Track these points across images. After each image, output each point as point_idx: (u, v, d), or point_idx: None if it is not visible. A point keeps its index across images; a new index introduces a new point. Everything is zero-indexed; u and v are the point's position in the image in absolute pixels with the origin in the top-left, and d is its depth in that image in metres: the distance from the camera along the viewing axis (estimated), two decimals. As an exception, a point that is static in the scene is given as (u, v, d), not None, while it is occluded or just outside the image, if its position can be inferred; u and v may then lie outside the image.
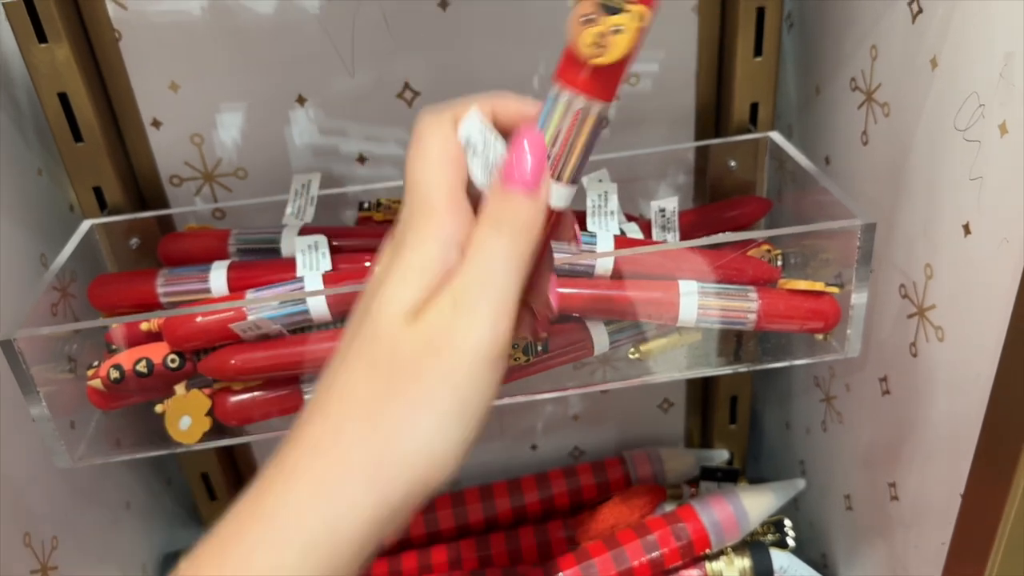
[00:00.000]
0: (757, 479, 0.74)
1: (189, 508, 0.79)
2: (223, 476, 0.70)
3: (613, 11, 0.30)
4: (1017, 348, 0.41)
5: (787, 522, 0.70)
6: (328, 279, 0.50)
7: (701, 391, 0.75)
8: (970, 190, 0.44)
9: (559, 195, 0.32)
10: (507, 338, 0.31)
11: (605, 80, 0.31)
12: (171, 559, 0.71)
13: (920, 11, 0.47)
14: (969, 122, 0.44)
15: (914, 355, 0.52)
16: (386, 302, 0.31)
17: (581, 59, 0.30)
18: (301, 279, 0.50)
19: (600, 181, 0.56)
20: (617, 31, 0.30)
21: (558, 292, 0.37)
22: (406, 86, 0.59)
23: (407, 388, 0.30)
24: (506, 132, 0.34)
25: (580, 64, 0.31)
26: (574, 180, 0.33)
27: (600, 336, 0.52)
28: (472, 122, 0.33)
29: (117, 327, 0.50)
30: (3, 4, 0.51)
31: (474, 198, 0.33)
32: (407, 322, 0.30)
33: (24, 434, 0.54)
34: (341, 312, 0.48)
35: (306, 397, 0.50)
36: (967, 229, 0.45)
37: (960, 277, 0.46)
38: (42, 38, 0.52)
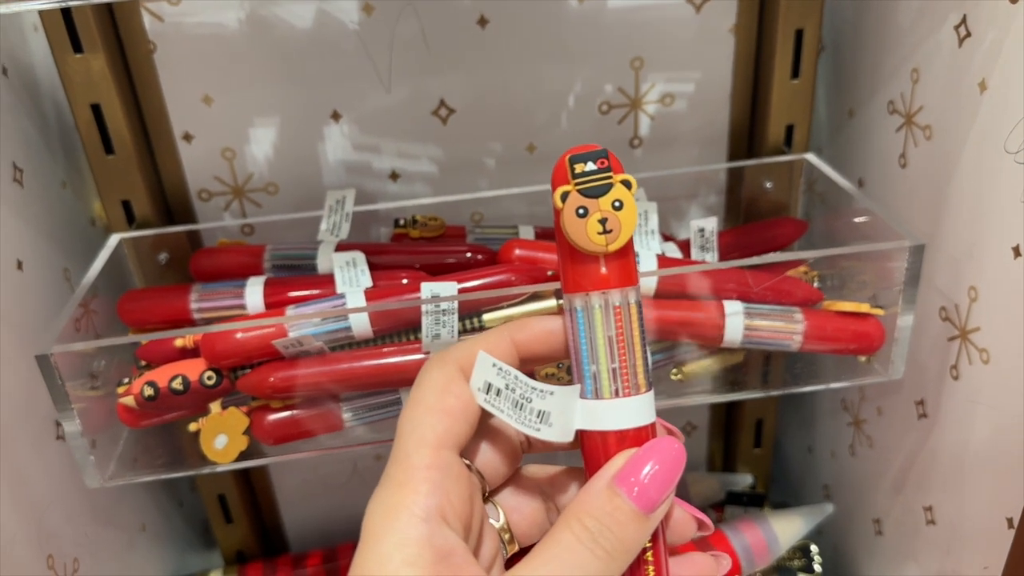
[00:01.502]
0: (779, 504, 0.74)
1: (200, 531, 0.77)
2: (240, 498, 0.68)
3: (600, 192, 0.28)
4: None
5: (814, 548, 0.69)
6: (368, 296, 0.49)
7: (724, 414, 0.75)
8: (1020, 212, 0.44)
9: (641, 406, 0.29)
10: None
11: (623, 262, 0.29)
12: (183, 583, 0.69)
13: (968, 35, 0.47)
14: (1021, 145, 0.44)
15: (955, 378, 0.52)
16: None
17: (595, 254, 0.28)
18: (342, 295, 0.49)
19: (639, 200, 0.55)
20: (619, 206, 0.28)
21: None
22: (442, 103, 0.58)
23: None
24: (533, 358, 0.31)
25: (595, 261, 0.29)
26: (643, 383, 0.30)
27: (642, 356, 0.51)
28: (483, 367, 0.29)
29: (151, 343, 0.49)
30: (39, 13, 0.50)
31: (505, 450, 0.30)
32: None
33: (46, 455, 0.52)
34: (382, 328, 0.48)
35: (345, 416, 0.49)
36: (1017, 251, 0.45)
37: (1008, 299, 0.46)
38: (78, 48, 0.52)
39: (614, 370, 0.29)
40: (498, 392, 0.29)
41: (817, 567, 0.68)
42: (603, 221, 0.28)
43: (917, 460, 0.57)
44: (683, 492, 0.72)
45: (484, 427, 0.31)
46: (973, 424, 0.51)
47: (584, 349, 0.29)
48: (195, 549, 0.76)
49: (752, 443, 0.73)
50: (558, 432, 0.29)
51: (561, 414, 0.29)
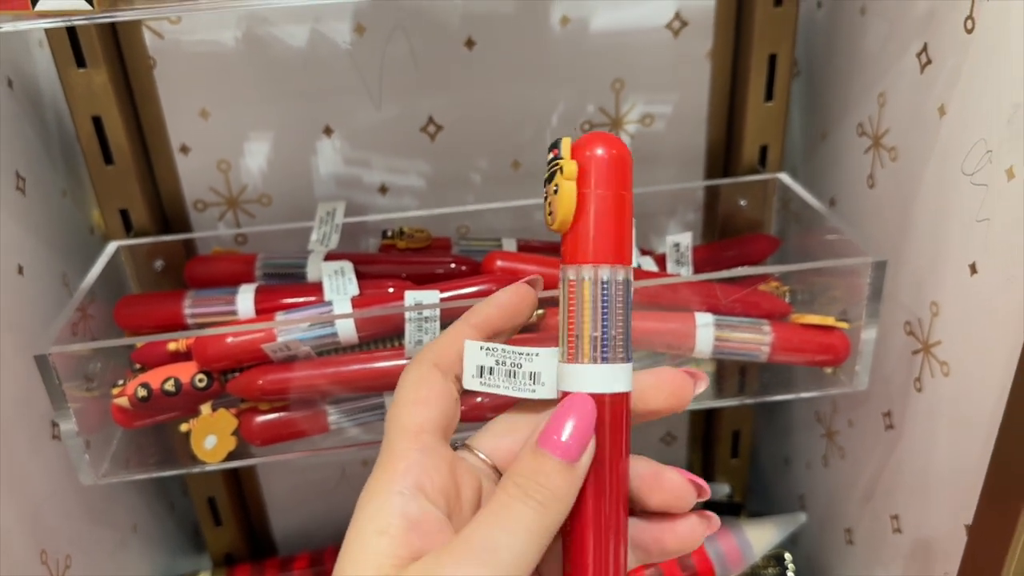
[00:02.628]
0: (756, 514, 0.76)
1: (190, 534, 0.78)
2: (229, 501, 0.70)
3: (548, 179, 0.30)
4: None
5: (788, 556, 0.71)
6: (355, 303, 0.51)
7: (703, 426, 0.77)
8: (977, 231, 0.46)
9: (592, 376, 0.30)
10: None
11: (576, 241, 0.30)
12: (172, 585, 0.71)
13: (929, 62, 0.50)
14: (977, 167, 0.46)
15: (919, 390, 0.54)
16: (349, 569, 0.28)
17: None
18: (329, 303, 0.51)
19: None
20: (555, 191, 0.30)
21: None
22: (430, 120, 0.61)
23: None
24: (494, 334, 0.33)
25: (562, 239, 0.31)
26: (619, 355, 0.31)
27: (617, 365, 0.53)
28: (472, 353, 0.32)
29: (145, 345, 0.51)
30: (45, 30, 0.53)
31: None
32: None
33: (42, 454, 0.54)
34: (367, 335, 0.50)
35: (331, 418, 0.51)
36: (974, 268, 0.47)
37: (966, 314, 0.48)
38: (81, 63, 0.54)
39: (564, 335, 0.31)
40: (491, 370, 0.32)
41: (791, 575, 0.70)
42: (549, 204, 0.30)
43: (885, 471, 0.59)
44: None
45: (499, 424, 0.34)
46: (935, 435, 0.53)
47: (560, 315, 0.31)
48: (184, 551, 0.77)
49: (729, 454, 0.75)
50: (550, 390, 0.31)
51: (549, 374, 0.31)
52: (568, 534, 0.31)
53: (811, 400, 0.70)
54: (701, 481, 0.33)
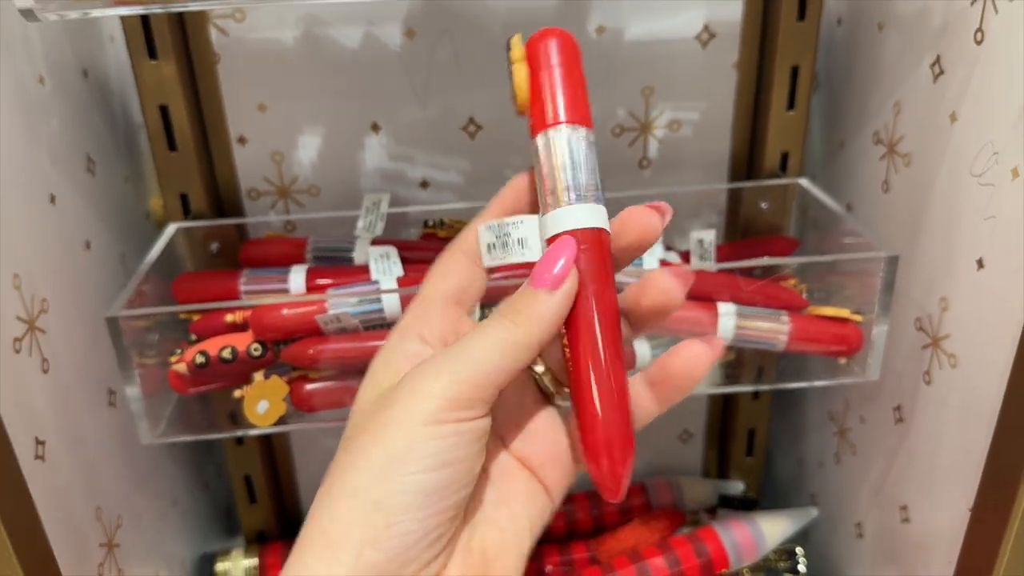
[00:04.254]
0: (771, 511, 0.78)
1: (224, 515, 0.82)
2: (264, 480, 0.73)
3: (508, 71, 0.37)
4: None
5: (799, 550, 0.73)
6: (400, 282, 0.55)
7: (720, 423, 0.79)
8: (984, 228, 0.50)
9: (568, 215, 0.34)
10: (455, 406, 0.31)
11: (542, 113, 0.36)
12: (206, 560, 0.74)
13: (942, 72, 0.53)
14: (984, 168, 0.49)
15: (928, 383, 0.57)
16: (361, 393, 0.36)
17: None
18: (376, 282, 0.54)
19: (644, 213, 0.61)
20: (511, 76, 0.36)
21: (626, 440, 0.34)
22: (470, 120, 0.65)
23: (358, 438, 0.33)
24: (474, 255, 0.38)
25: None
26: (591, 198, 0.35)
27: (643, 349, 0.56)
28: (481, 234, 0.37)
29: (203, 317, 0.55)
30: (122, 22, 0.57)
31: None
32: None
33: (99, 419, 0.57)
34: (411, 313, 0.53)
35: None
36: (980, 263, 0.50)
37: (974, 307, 0.52)
38: (152, 55, 0.58)
39: (550, 192, 0.35)
40: (493, 246, 0.36)
41: (802, 568, 0.72)
42: (513, 91, 0.37)
43: (894, 463, 0.62)
44: (679, 496, 0.77)
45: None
46: (943, 425, 0.56)
47: (536, 183, 0.36)
48: (217, 531, 0.81)
49: (745, 451, 0.78)
50: (535, 252, 0.36)
51: (534, 237, 0.36)
52: (570, 364, 0.34)
53: (824, 399, 0.73)
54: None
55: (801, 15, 0.60)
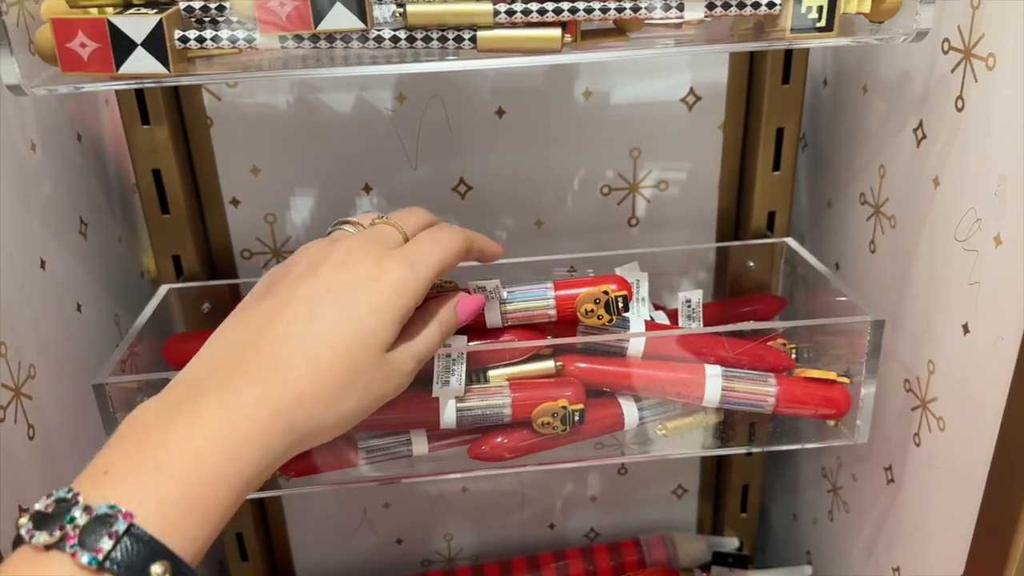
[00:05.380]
0: (765, 568, 0.77)
1: (216, 570, 0.81)
2: (256, 537, 0.73)
3: None
4: (1012, 435, 0.46)
5: (795, 609, 0.73)
6: (387, 346, 0.55)
7: (714, 479, 0.79)
8: (969, 294, 0.50)
9: None
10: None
11: None
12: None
13: (924, 137, 0.54)
14: (968, 234, 0.50)
15: (917, 444, 0.57)
16: None
17: None
18: (363, 345, 0.55)
19: (633, 271, 0.61)
20: None
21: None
22: (461, 180, 0.65)
23: None
24: None
25: None
26: None
27: (631, 411, 0.56)
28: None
29: (191, 380, 0.55)
30: (115, 91, 0.58)
31: None
32: None
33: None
34: (398, 377, 0.53)
35: (360, 453, 0.54)
36: (966, 328, 0.50)
37: (960, 372, 0.51)
38: (145, 120, 0.59)
39: None
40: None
41: (797, 628, 0.71)
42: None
43: (886, 523, 0.62)
44: (673, 553, 0.76)
45: None
46: (933, 488, 0.55)
47: None
48: (209, 588, 0.80)
49: (739, 507, 0.77)
50: None
51: None
52: None
53: (818, 456, 0.72)
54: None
55: (785, 78, 0.60)
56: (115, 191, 0.67)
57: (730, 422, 0.60)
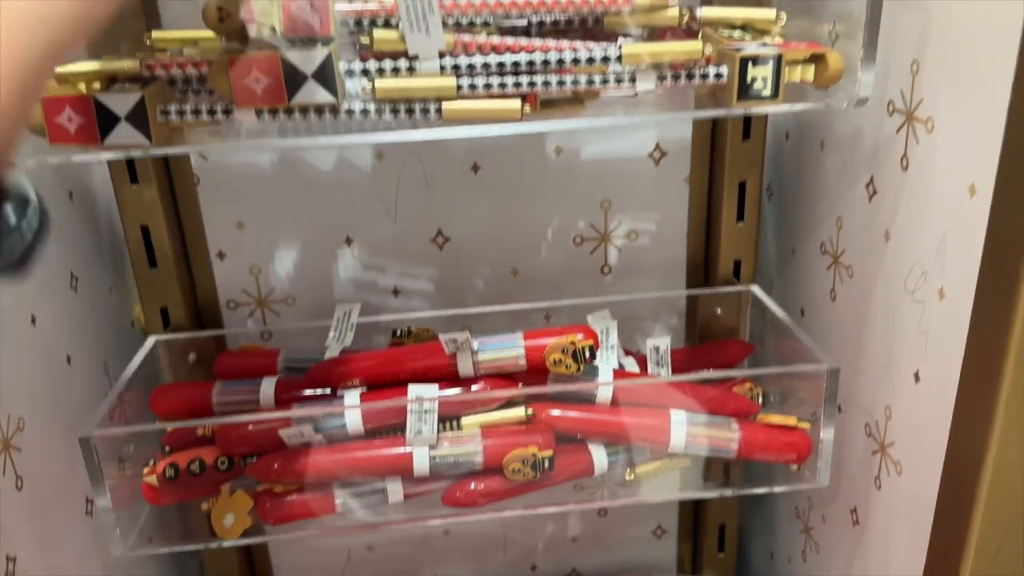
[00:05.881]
0: (743, 607, 0.79)
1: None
2: (242, 580, 0.74)
3: None
4: (953, 484, 0.48)
5: (771, 648, 0.74)
6: (362, 399, 0.57)
7: (692, 518, 0.81)
8: (919, 343, 0.52)
9: None
10: None
11: None
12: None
13: (876, 192, 0.56)
14: (916, 286, 0.52)
15: (878, 488, 0.58)
16: None
17: None
18: (340, 396, 0.57)
19: (603, 319, 0.64)
20: None
21: None
22: (439, 232, 0.68)
23: None
24: None
25: None
26: None
27: (600, 457, 0.58)
28: None
29: (175, 430, 0.57)
30: (107, 152, 0.61)
31: None
32: None
33: (75, 527, 0.59)
34: (374, 427, 0.55)
35: (337, 501, 0.56)
36: (917, 376, 0.52)
37: (913, 418, 0.53)
38: (134, 179, 0.62)
39: None
40: None
41: (774, 668, 0.72)
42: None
43: (853, 564, 0.63)
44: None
45: None
46: (894, 530, 0.57)
47: None
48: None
49: (716, 547, 0.78)
50: None
51: None
52: None
53: (791, 497, 0.74)
54: None
55: (746, 134, 0.63)
56: (106, 244, 0.70)
57: (707, 461, 0.62)
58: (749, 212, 0.65)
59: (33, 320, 0.56)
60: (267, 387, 0.60)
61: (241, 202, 0.66)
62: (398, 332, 0.66)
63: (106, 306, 0.69)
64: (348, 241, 0.68)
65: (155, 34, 0.53)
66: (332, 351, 0.62)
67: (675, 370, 0.63)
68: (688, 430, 0.57)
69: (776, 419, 0.58)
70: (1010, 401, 0.43)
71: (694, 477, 0.62)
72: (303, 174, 0.65)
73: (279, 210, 0.66)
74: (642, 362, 0.64)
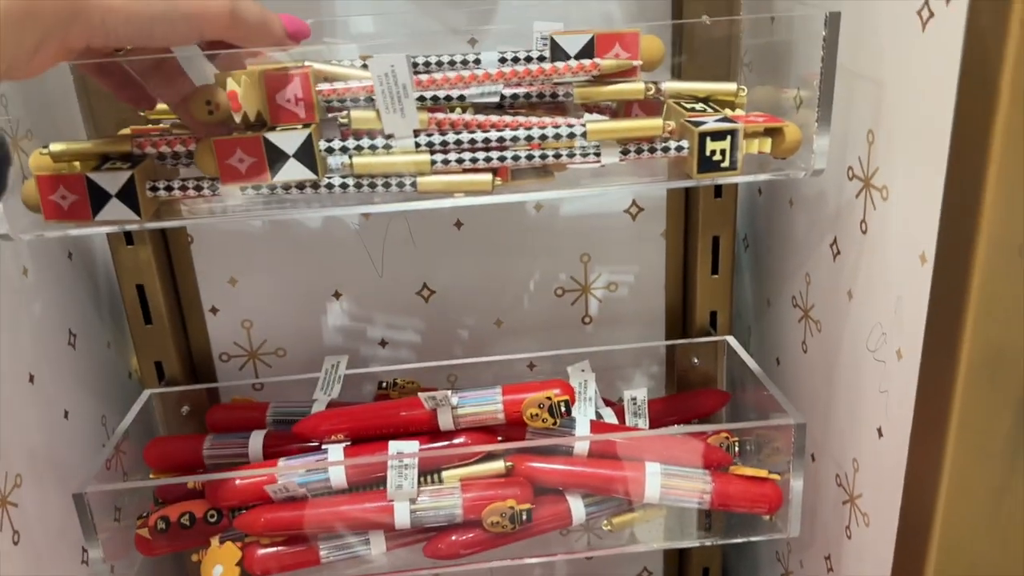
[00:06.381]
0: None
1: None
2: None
3: None
4: (906, 540, 0.50)
5: None
6: (346, 453, 0.59)
7: (677, 562, 0.82)
8: (880, 400, 0.54)
9: None
10: None
11: None
12: None
13: (839, 252, 0.58)
14: (877, 345, 0.54)
15: (849, 537, 0.60)
16: None
17: None
18: (325, 450, 0.59)
19: (582, 371, 0.66)
20: None
21: None
22: (424, 285, 0.70)
23: None
24: None
25: None
26: None
27: (578, 508, 0.60)
28: None
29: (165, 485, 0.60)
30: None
31: None
32: None
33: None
34: (356, 481, 0.57)
35: (322, 553, 0.58)
36: (880, 432, 0.54)
37: (878, 473, 0.55)
38: (130, 241, 0.65)
39: None
40: None
41: None
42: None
43: (828, 611, 0.65)
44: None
45: None
46: (864, 579, 0.59)
47: None
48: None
49: (700, 590, 0.80)
50: None
51: None
52: None
53: (772, 541, 0.76)
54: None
55: (717, 193, 0.65)
56: (105, 300, 0.72)
57: (684, 514, 0.64)
58: (723, 266, 0.67)
59: (31, 378, 0.59)
60: (255, 440, 0.62)
61: (233, 259, 0.68)
62: (384, 384, 0.68)
63: (104, 360, 0.71)
64: (336, 295, 0.70)
65: (148, 106, 0.55)
66: (320, 404, 0.65)
67: (652, 420, 0.65)
68: (663, 482, 0.59)
69: (748, 471, 0.59)
70: (956, 460, 0.45)
71: (676, 524, 0.64)
72: (292, 232, 0.68)
73: (270, 266, 0.69)
74: (620, 413, 0.66)
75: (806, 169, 0.51)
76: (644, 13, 0.62)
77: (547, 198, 0.50)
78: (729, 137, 0.49)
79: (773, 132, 0.51)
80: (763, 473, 0.59)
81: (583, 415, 0.63)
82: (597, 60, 0.49)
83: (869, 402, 0.55)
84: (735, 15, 0.60)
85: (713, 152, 0.50)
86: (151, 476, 0.63)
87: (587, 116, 0.51)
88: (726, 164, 0.50)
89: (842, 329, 0.59)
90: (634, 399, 0.65)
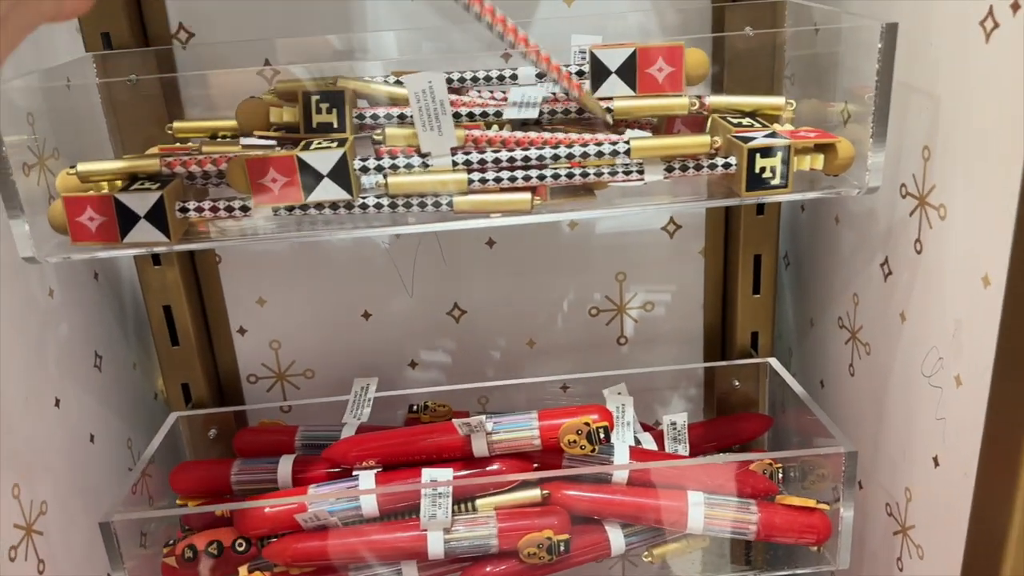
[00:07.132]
0: None
1: None
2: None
3: None
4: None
5: None
6: (377, 480, 0.57)
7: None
8: (937, 428, 0.51)
9: None
10: None
11: None
12: None
13: (891, 272, 0.56)
14: (932, 370, 0.52)
15: (900, 570, 0.57)
16: None
17: None
18: (355, 476, 0.57)
19: (619, 394, 0.64)
20: None
21: None
22: (455, 306, 0.69)
23: None
24: None
25: None
26: None
27: (617, 538, 0.58)
28: None
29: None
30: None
31: None
32: None
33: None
34: (388, 509, 0.56)
35: (353, 584, 0.56)
36: (936, 461, 0.52)
37: (933, 504, 0.53)
38: (156, 262, 0.63)
39: None
40: None
41: None
42: None
43: (878, 645, 0.62)
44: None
45: None
46: (918, 614, 0.56)
47: None
48: None
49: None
50: None
51: None
52: None
53: (817, 573, 0.73)
54: None
55: (759, 210, 0.63)
56: (131, 321, 0.71)
57: (725, 543, 0.62)
58: (765, 285, 0.65)
59: (57, 403, 0.58)
60: (284, 466, 0.60)
61: (262, 278, 0.67)
62: (415, 407, 0.66)
63: (130, 382, 0.70)
64: (366, 315, 0.69)
65: (176, 124, 0.54)
66: (349, 428, 0.63)
67: (693, 445, 0.63)
68: (706, 511, 0.56)
69: (795, 500, 0.57)
70: (1029, 498, 0.43)
71: (716, 557, 0.61)
72: (322, 251, 0.66)
73: (299, 286, 0.67)
74: (659, 437, 0.64)
75: (860, 187, 0.49)
76: (685, 26, 0.60)
77: (585, 217, 0.48)
78: (779, 153, 0.47)
79: (825, 148, 0.49)
80: (811, 503, 0.57)
81: (621, 441, 0.60)
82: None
83: (924, 429, 0.53)
84: (779, 27, 0.58)
85: (763, 169, 0.47)
86: (177, 501, 0.62)
87: (628, 132, 0.49)
88: (776, 181, 0.48)
89: (894, 352, 0.56)
90: (674, 424, 0.63)
